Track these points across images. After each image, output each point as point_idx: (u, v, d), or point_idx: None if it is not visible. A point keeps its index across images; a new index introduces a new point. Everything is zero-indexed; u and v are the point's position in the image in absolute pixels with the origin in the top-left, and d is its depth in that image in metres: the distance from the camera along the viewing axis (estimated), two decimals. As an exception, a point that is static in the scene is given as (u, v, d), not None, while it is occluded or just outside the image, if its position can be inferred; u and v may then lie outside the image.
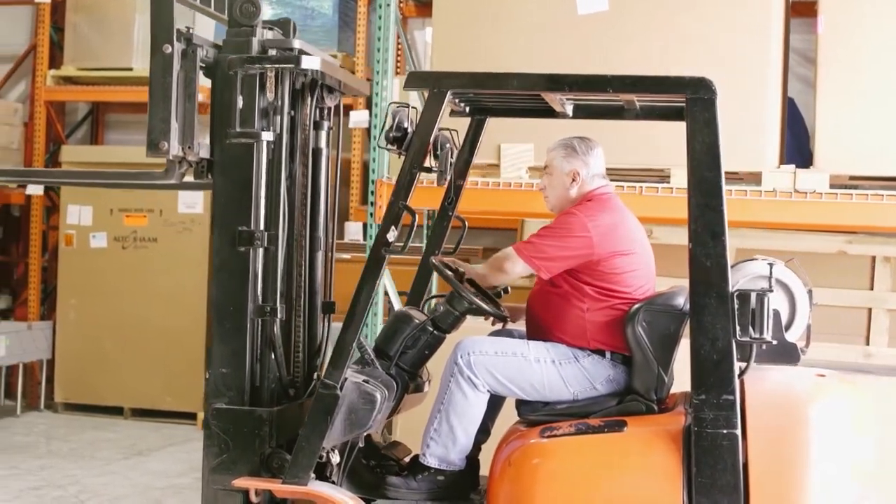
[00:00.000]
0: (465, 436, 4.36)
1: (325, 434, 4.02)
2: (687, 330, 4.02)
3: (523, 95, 4.54)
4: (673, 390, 4.33)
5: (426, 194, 5.30)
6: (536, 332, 4.46)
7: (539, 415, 4.31)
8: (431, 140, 4.16)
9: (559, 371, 4.29)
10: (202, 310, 9.13)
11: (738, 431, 3.87)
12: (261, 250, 4.21)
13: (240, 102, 4.16)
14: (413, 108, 4.31)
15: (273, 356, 4.27)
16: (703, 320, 3.91)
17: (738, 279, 4.07)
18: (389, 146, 4.28)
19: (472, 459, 4.49)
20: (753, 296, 3.90)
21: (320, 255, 4.64)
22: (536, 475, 4.08)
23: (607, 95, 4.47)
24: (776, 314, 4.05)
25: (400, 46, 8.83)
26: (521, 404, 4.39)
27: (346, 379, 4.05)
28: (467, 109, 4.83)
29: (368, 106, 8.24)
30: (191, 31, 4.13)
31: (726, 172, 6.00)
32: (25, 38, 10.82)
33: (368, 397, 4.07)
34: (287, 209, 4.32)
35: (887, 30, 5.95)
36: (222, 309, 4.24)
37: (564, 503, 4.04)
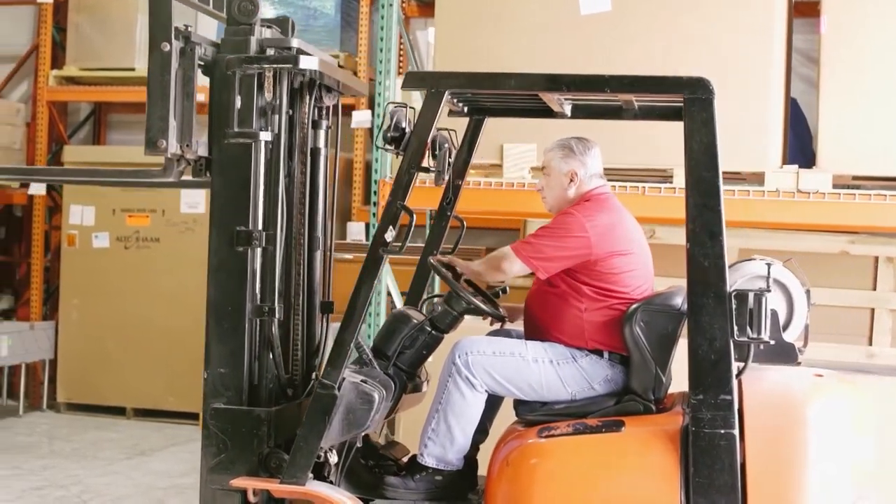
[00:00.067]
0: (462, 436, 4.36)
1: (323, 434, 4.02)
2: (685, 330, 4.02)
3: (521, 95, 4.54)
4: (671, 390, 4.33)
5: (426, 194, 5.30)
6: (534, 332, 4.46)
7: (537, 415, 4.32)
8: (429, 140, 4.16)
9: (557, 371, 4.29)
10: (205, 310, 9.10)
11: (736, 431, 3.88)
12: (259, 250, 4.21)
13: (238, 102, 4.17)
14: (411, 108, 4.31)
15: (271, 356, 4.27)
16: (701, 320, 3.91)
17: (736, 279, 4.08)
18: (387, 146, 4.29)
19: (471, 459, 4.49)
20: (751, 296, 3.90)
21: (319, 255, 4.64)
22: (534, 475, 4.08)
23: (605, 95, 4.47)
24: (774, 314, 4.05)
25: (402, 46, 8.83)
26: (519, 404, 4.39)
27: (343, 379, 4.06)
28: (466, 109, 4.84)
29: (371, 106, 8.26)
30: (189, 29, 4.13)
31: (729, 173, 6.06)
32: (28, 38, 10.83)
33: (366, 397, 4.07)
34: (285, 209, 4.32)
35: (890, 29, 5.95)
36: (220, 309, 4.25)
37: (562, 503, 4.04)
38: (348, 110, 8.43)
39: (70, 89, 10.29)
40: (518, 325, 4.62)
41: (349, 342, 4.06)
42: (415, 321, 4.47)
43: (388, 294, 6.90)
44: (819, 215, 5.91)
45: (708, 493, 3.87)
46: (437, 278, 5.61)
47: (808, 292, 4.23)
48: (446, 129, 4.52)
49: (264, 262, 4.23)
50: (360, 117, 8.42)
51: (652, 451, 4.00)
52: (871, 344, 6.50)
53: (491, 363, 4.31)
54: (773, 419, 3.93)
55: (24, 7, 10.75)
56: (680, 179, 5.92)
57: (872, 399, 4.15)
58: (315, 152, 4.60)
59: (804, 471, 3.88)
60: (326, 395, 4.03)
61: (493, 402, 4.53)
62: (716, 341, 3.90)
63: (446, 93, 4.13)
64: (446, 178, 4.53)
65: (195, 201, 9.41)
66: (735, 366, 3.92)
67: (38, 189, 10.10)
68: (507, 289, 4.90)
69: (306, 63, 4.19)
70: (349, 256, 8.17)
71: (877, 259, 6.55)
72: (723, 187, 3.92)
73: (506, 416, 4.53)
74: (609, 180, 5.85)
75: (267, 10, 8.75)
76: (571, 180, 4.46)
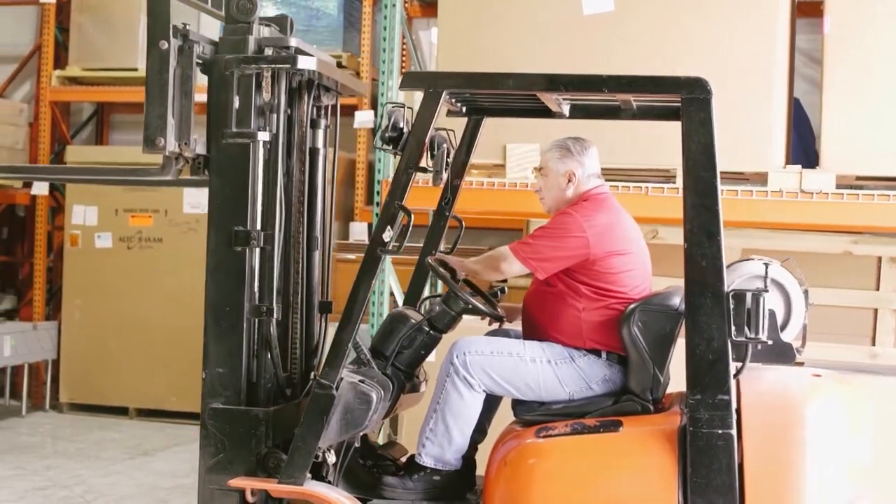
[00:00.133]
0: (460, 436, 4.37)
1: (321, 434, 4.03)
2: (683, 330, 4.02)
3: (520, 95, 4.54)
4: (669, 390, 4.32)
5: (427, 194, 5.29)
6: (532, 331, 4.47)
7: (535, 415, 4.32)
8: (427, 140, 4.16)
9: (555, 371, 4.30)
10: (207, 310, 9.12)
11: (734, 431, 3.88)
12: (257, 250, 4.21)
13: (236, 102, 4.17)
14: (409, 108, 4.30)
15: (269, 356, 4.27)
16: (699, 320, 3.91)
17: (734, 279, 4.08)
18: (385, 146, 4.28)
19: (469, 459, 4.50)
20: (749, 296, 3.89)
21: (318, 255, 4.64)
22: (532, 475, 4.08)
23: (603, 95, 4.47)
24: (772, 314, 4.04)
25: (405, 47, 8.82)
26: (517, 404, 4.39)
27: (342, 379, 4.06)
28: (464, 109, 4.84)
29: (374, 106, 8.25)
30: (187, 27, 4.13)
31: (732, 173, 6.05)
32: (30, 38, 10.83)
33: (364, 397, 4.07)
34: (284, 209, 4.32)
35: (893, 29, 5.94)
36: (218, 308, 4.24)
37: (560, 503, 4.03)
38: (351, 110, 8.44)
39: (73, 89, 10.29)
40: (517, 325, 4.62)
41: (347, 342, 4.06)
42: (413, 321, 4.48)
43: (391, 294, 6.90)
44: (822, 215, 5.90)
45: (705, 493, 3.87)
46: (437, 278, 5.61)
47: (806, 292, 4.23)
48: (445, 130, 4.52)
49: (262, 262, 4.23)
50: (363, 117, 8.42)
51: (650, 451, 4.00)
52: (874, 344, 6.49)
53: (489, 363, 4.31)
54: (770, 419, 3.93)
55: (26, 7, 10.76)
56: (682, 180, 5.91)
57: (870, 399, 4.16)
58: (314, 152, 4.60)
59: (801, 471, 3.88)
60: (324, 395, 4.04)
61: (492, 402, 4.53)
62: (713, 341, 3.89)
63: (444, 93, 4.13)
64: (444, 178, 4.53)
65: (198, 201, 9.41)
66: (733, 366, 3.92)
67: (40, 189, 10.10)
68: (506, 289, 4.90)
69: (304, 63, 4.19)
70: (352, 256, 8.18)
71: (880, 259, 6.54)
72: (720, 187, 3.92)
73: (504, 416, 4.53)
74: (612, 180, 5.87)
75: (269, 11, 8.75)
76: (569, 181, 4.46)
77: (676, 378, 4.15)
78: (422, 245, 4.97)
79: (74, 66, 10.08)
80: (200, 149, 4.22)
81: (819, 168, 5.98)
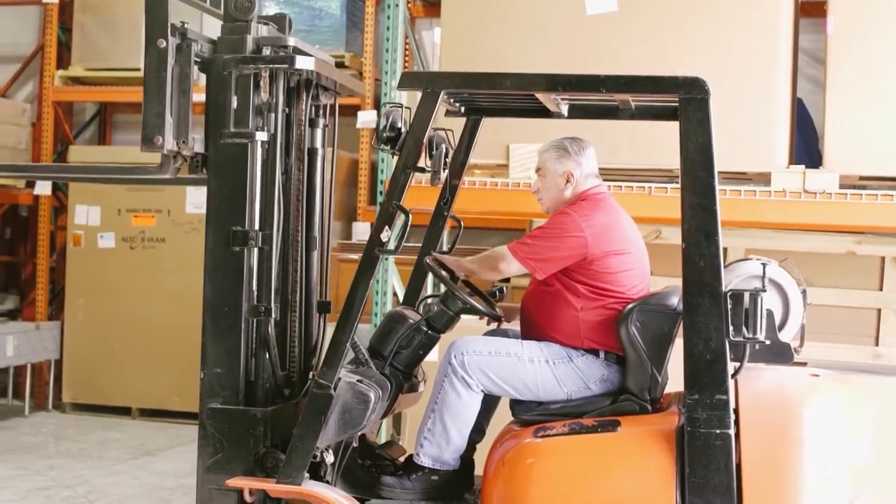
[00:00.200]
0: (458, 436, 4.36)
1: (319, 434, 4.03)
2: (681, 330, 4.01)
3: (518, 95, 4.54)
4: (668, 390, 4.33)
5: (427, 194, 5.28)
6: (531, 331, 4.46)
7: (533, 414, 4.31)
8: (425, 140, 4.16)
9: (553, 371, 4.29)
10: (208, 310, 9.13)
11: (732, 431, 3.87)
12: (255, 250, 4.21)
13: (234, 102, 4.17)
14: (407, 108, 4.30)
15: (268, 356, 4.27)
16: (697, 320, 3.91)
17: (732, 279, 4.08)
18: (383, 146, 4.27)
19: (467, 459, 4.49)
20: (747, 296, 3.89)
21: (316, 255, 4.64)
22: (530, 475, 4.08)
23: (602, 95, 4.46)
24: (769, 314, 4.04)
25: (408, 47, 8.82)
26: (515, 404, 4.39)
27: (339, 379, 4.06)
28: (463, 109, 4.83)
29: (376, 106, 8.25)
30: (186, 25, 4.12)
31: (735, 173, 6.04)
32: (33, 38, 10.84)
33: (362, 397, 4.07)
34: (282, 208, 4.32)
35: (897, 29, 5.94)
36: (216, 308, 4.25)
37: (558, 503, 4.03)
38: (354, 110, 8.44)
39: (75, 89, 10.30)
40: (515, 325, 4.62)
41: (345, 342, 4.06)
42: (411, 321, 4.47)
43: (395, 294, 6.90)
44: (825, 215, 5.89)
45: (703, 493, 3.86)
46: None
47: (804, 292, 4.22)
48: (443, 130, 4.51)
49: (261, 262, 4.24)
50: (366, 117, 8.42)
51: (647, 451, 4.00)
52: (877, 344, 6.48)
53: (487, 363, 4.31)
54: (768, 419, 3.93)
55: (29, 7, 10.77)
56: (686, 180, 5.90)
57: (868, 399, 4.16)
58: (312, 152, 4.60)
59: (800, 471, 3.88)
60: (322, 395, 4.04)
61: (490, 402, 4.53)
62: (711, 341, 3.89)
63: (442, 93, 4.12)
64: (442, 178, 4.53)
65: (200, 201, 9.35)
66: (731, 366, 3.92)
67: (43, 189, 10.11)
68: (505, 289, 4.90)
69: (302, 63, 4.19)
70: (354, 257, 8.16)
71: (883, 259, 6.53)
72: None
73: (503, 416, 4.52)
74: (615, 180, 5.88)
75: (272, 11, 8.74)
76: (568, 181, 4.46)
77: (675, 378, 4.15)
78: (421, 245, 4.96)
79: (77, 66, 10.09)
80: (199, 147, 4.22)
81: (822, 168, 5.97)
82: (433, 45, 8.99)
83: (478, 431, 4.52)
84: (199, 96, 4.16)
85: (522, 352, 4.33)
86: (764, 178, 6.02)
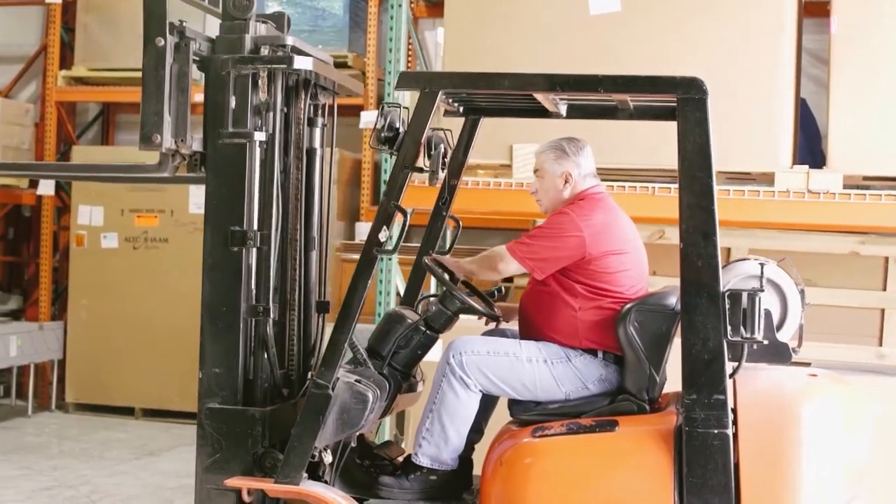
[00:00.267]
0: (457, 435, 4.36)
1: (317, 434, 4.03)
2: (679, 330, 4.01)
3: (517, 96, 4.53)
4: (666, 390, 4.32)
5: (429, 194, 5.28)
6: (529, 331, 4.46)
7: (531, 414, 4.31)
8: (424, 140, 4.16)
9: (551, 370, 4.29)
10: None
11: (730, 431, 3.87)
12: (254, 250, 4.22)
13: (232, 102, 4.17)
14: (405, 108, 4.30)
15: (266, 356, 4.27)
16: (695, 320, 3.90)
17: (730, 279, 4.07)
18: (381, 146, 4.27)
19: (465, 459, 4.49)
20: (744, 295, 3.89)
21: (315, 255, 4.64)
22: (528, 475, 4.08)
23: (600, 95, 4.46)
24: (767, 314, 4.02)
25: (411, 47, 8.82)
26: (514, 404, 4.39)
27: (338, 379, 4.06)
28: (461, 109, 4.83)
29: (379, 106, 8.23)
30: (184, 24, 4.12)
31: (739, 173, 6.03)
32: (36, 38, 10.85)
33: (360, 397, 4.07)
34: (281, 208, 4.32)
35: (902, 29, 5.94)
36: (215, 308, 4.26)
37: (556, 503, 4.03)
38: (357, 110, 8.43)
39: (78, 89, 10.30)
40: (514, 325, 4.62)
41: (343, 342, 4.06)
42: (409, 321, 4.47)
43: (398, 294, 6.89)
44: (829, 216, 5.89)
45: (701, 493, 3.86)
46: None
47: (802, 292, 4.22)
48: (442, 130, 4.51)
49: (259, 262, 4.24)
50: (369, 118, 8.39)
51: (645, 451, 4.00)
52: (881, 345, 6.48)
53: (485, 363, 4.30)
54: (766, 419, 3.92)
55: (32, 7, 10.78)
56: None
57: (866, 399, 4.15)
58: (311, 151, 4.60)
59: (798, 471, 3.87)
60: (320, 395, 4.04)
61: (488, 402, 4.52)
62: (709, 341, 3.89)
63: (440, 93, 4.12)
64: (440, 178, 4.52)
65: (203, 201, 9.40)
66: (729, 365, 3.91)
67: (46, 189, 10.11)
68: (503, 289, 4.90)
69: (300, 63, 4.19)
70: (357, 257, 8.14)
71: (887, 259, 6.52)
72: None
73: (501, 416, 4.52)
74: (618, 181, 5.87)
75: (274, 10, 8.74)
76: (566, 181, 4.46)
77: (673, 378, 4.14)
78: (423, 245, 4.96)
79: (80, 67, 10.10)
80: (197, 145, 4.22)
81: (826, 168, 5.97)
82: (436, 46, 8.99)
83: (476, 431, 4.52)
84: (198, 96, 4.16)
85: (521, 352, 4.32)
86: (767, 178, 6.02)
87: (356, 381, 4.11)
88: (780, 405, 3.98)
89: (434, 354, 4.52)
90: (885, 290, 6.51)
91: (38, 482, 7.39)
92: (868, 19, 5.96)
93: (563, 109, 4.69)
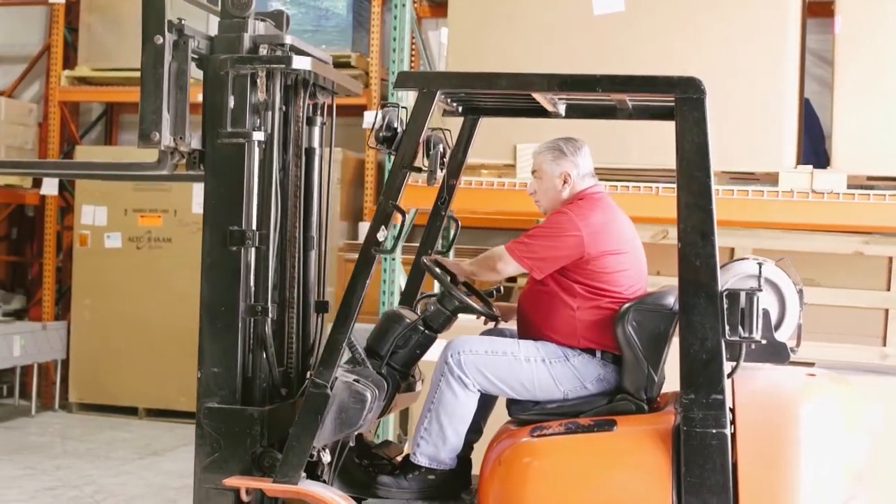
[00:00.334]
0: (455, 435, 4.36)
1: (316, 433, 4.03)
2: (677, 329, 4.00)
3: (516, 95, 4.53)
4: (665, 390, 4.32)
5: (429, 194, 5.29)
6: (527, 331, 4.46)
7: (529, 414, 4.31)
8: (422, 140, 4.16)
9: (549, 370, 4.29)
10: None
11: (728, 431, 3.87)
12: (252, 249, 4.22)
13: (231, 102, 4.17)
14: (403, 107, 4.30)
15: (265, 355, 4.27)
16: (693, 320, 3.90)
17: (728, 279, 4.06)
18: (379, 146, 4.28)
19: (464, 459, 4.49)
20: (742, 295, 3.88)
21: (314, 254, 4.64)
22: (526, 474, 4.08)
23: (598, 95, 4.46)
24: (765, 313, 4.03)
25: (414, 47, 8.82)
26: (512, 403, 4.39)
27: (336, 378, 4.06)
28: (460, 109, 4.83)
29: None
30: (182, 21, 4.12)
31: (743, 173, 6.03)
32: (39, 38, 10.86)
33: (358, 396, 4.08)
34: (279, 208, 4.31)
35: (906, 29, 5.94)
36: (214, 308, 4.26)
37: (554, 502, 4.03)
38: (360, 110, 8.44)
39: (82, 89, 10.31)
40: (512, 325, 4.62)
41: (342, 341, 4.06)
42: (408, 320, 4.47)
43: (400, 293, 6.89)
44: (833, 216, 5.89)
45: (699, 493, 3.86)
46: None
47: (800, 291, 4.21)
48: (441, 129, 4.51)
49: (258, 262, 4.24)
50: (372, 118, 8.40)
51: (644, 451, 4.00)
52: (885, 345, 6.48)
53: (483, 362, 4.30)
54: (764, 418, 3.92)
55: (35, 7, 10.78)
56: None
57: (864, 398, 4.15)
58: (310, 151, 4.59)
59: (796, 470, 3.86)
60: (319, 395, 4.04)
61: (487, 402, 4.52)
62: (707, 341, 3.89)
63: (438, 93, 4.12)
64: (439, 178, 4.52)
65: (207, 201, 9.41)
66: (727, 365, 3.91)
67: (50, 189, 10.12)
68: (501, 288, 4.90)
69: (299, 63, 4.19)
70: (360, 256, 8.16)
71: (891, 259, 6.52)
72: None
73: (500, 416, 4.52)
74: (622, 181, 5.87)
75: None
76: (565, 182, 4.46)
77: (671, 377, 4.14)
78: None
79: (84, 66, 10.10)
80: (196, 143, 4.22)
81: (830, 168, 5.97)
82: (440, 45, 8.99)
83: (475, 431, 4.52)
84: (197, 96, 4.16)
85: (519, 351, 4.32)
86: (771, 179, 6.02)
87: (354, 380, 4.11)
88: (779, 405, 3.98)
89: (433, 354, 4.52)
90: (888, 290, 6.52)
91: (42, 482, 7.40)
92: (872, 19, 5.96)
93: (561, 109, 4.69)
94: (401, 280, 6.92)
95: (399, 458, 4.62)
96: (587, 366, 4.29)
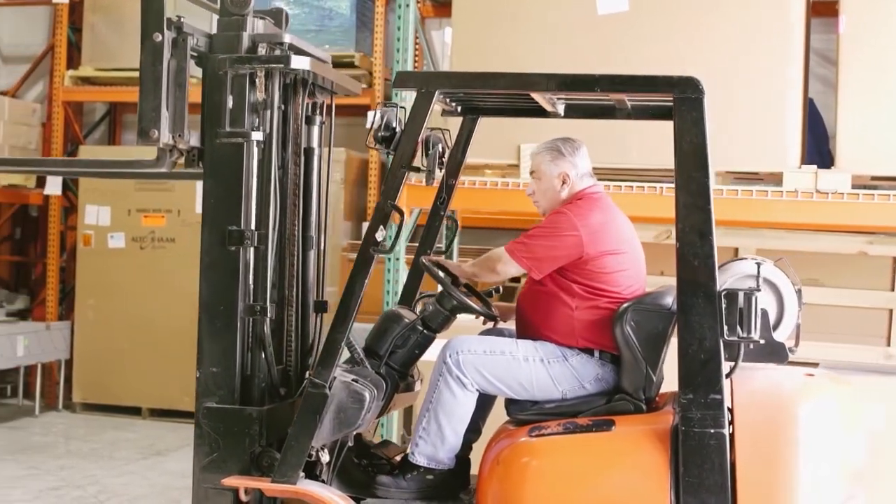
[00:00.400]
0: (453, 435, 4.36)
1: (314, 433, 4.03)
2: (675, 329, 4.00)
3: (515, 95, 4.53)
4: (663, 389, 4.32)
5: (430, 194, 5.28)
6: (526, 330, 4.46)
7: (528, 414, 4.31)
8: (421, 139, 4.16)
9: (548, 370, 4.28)
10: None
11: (726, 431, 3.86)
12: (251, 249, 4.22)
13: (229, 101, 4.17)
14: (402, 107, 4.29)
15: (263, 355, 4.27)
16: (691, 319, 3.90)
17: (726, 279, 4.06)
18: (378, 146, 4.27)
19: (463, 459, 4.49)
20: (741, 295, 3.88)
21: (313, 254, 4.63)
22: (525, 474, 4.07)
23: (597, 95, 4.45)
24: (764, 313, 4.02)
25: (418, 46, 8.81)
26: (511, 403, 4.38)
27: (335, 378, 4.06)
28: (459, 109, 4.83)
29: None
30: (181, 19, 4.12)
31: (747, 173, 6.03)
32: (43, 38, 10.87)
33: (357, 396, 4.08)
34: (278, 208, 4.31)
35: (909, 29, 5.93)
36: (212, 308, 4.25)
37: (552, 502, 4.03)
38: (363, 110, 8.44)
39: (85, 89, 10.31)
40: (511, 325, 4.61)
41: (340, 341, 4.06)
42: (406, 320, 4.47)
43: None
44: (837, 215, 5.89)
45: (698, 493, 3.85)
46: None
47: (799, 291, 4.21)
48: (440, 129, 4.51)
49: (257, 261, 4.24)
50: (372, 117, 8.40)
51: (642, 451, 3.99)
52: (888, 345, 6.48)
53: (482, 362, 4.30)
54: (763, 418, 3.92)
55: (39, 7, 10.79)
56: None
57: (863, 398, 4.14)
58: (309, 151, 4.59)
59: (794, 470, 3.86)
60: (317, 395, 4.04)
61: (486, 402, 4.52)
62: (705, 341, 3.88)
63: (437, 92, 4.12)
64: (437, 177, 4.53)
65: (210, 201, 9.41)
66: (725, 365, 3.91)
67: (53, 189, 10.12)
68: (501, 288, 4.90)
69: (298, 63, 4.19)
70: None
71: (895, 260, 6.52)
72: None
73: (499, 416, 4.52)
74: (626, 181, 5.87)
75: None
76: (564, 182, 4.45)
77: (670, 377, 4.14)
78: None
79: (87, 66, 10.11)
80: (195, 141, 4.22)
81: (834, 168, 5.97)
82: (443, 45, 8.99)
83: (474, 431, 4.52)
84: (195, 96, 4.16)
85: (517, 351, 4.32)
86: (776, 178, 6.02)
87: (353, 380, 4.11)
88: (777, 405, 3.97)
89: (431, 354, 4.51)
90: (893, 290, 6.52)
91: (46, 482, 7.40)
92: (876, 19, 5.96)
93: (560, 109, 4.69)
94: (404, 280, 6.92)
95: (398, 458, 4.62)
96: (585, 366, 4.29)
